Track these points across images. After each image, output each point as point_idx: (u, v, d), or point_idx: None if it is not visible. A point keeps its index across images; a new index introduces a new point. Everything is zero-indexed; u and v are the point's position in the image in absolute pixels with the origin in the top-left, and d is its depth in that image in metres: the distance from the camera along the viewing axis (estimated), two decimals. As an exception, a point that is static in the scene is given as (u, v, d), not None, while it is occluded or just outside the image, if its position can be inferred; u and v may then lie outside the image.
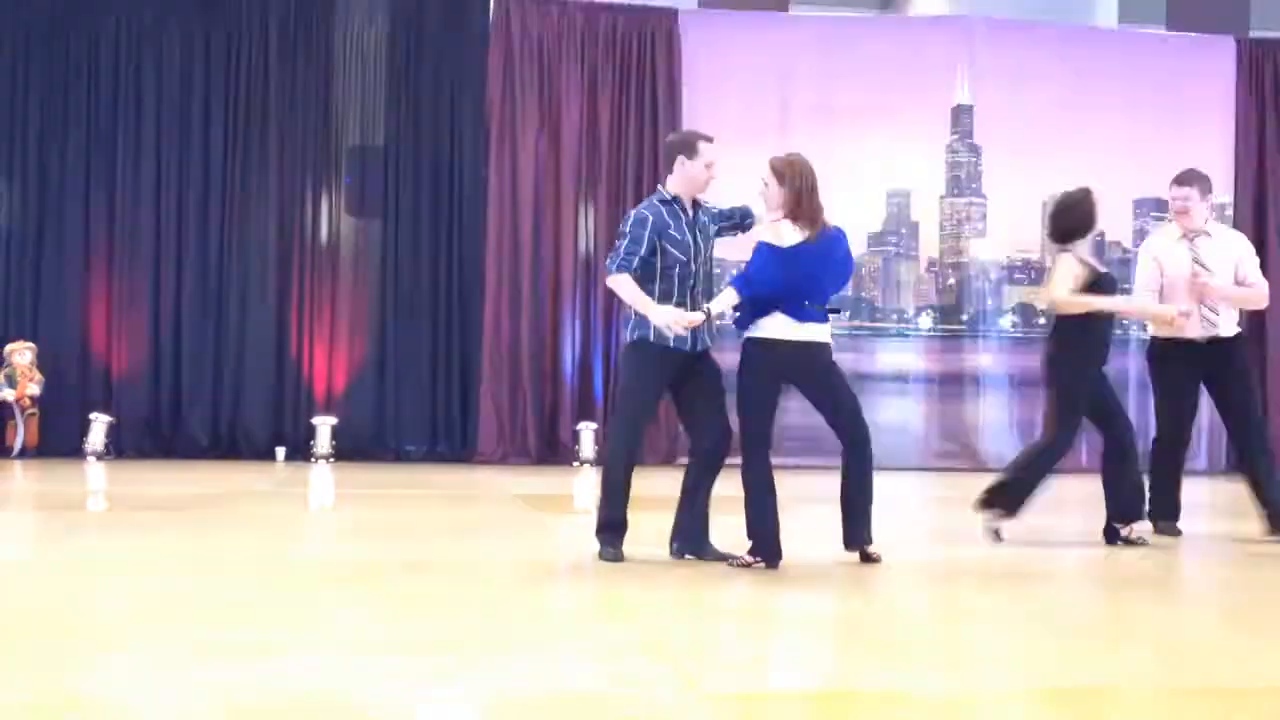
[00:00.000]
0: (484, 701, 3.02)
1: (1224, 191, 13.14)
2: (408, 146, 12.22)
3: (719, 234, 5.66)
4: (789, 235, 5.33)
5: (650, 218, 5.41)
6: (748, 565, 5.24)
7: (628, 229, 5.44)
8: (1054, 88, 12.91)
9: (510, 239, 12.12)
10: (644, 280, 5.38)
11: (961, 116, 12.93)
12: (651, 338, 5.38)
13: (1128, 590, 4.98)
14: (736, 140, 11.27)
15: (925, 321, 12.90)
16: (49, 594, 4.48)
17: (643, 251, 5.38)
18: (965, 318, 13.03)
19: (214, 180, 11.99)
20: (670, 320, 5.25)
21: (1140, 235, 13.18)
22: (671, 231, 5.41)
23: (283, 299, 12.02)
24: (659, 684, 3.22)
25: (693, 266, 5.44)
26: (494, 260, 12.07)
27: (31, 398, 11.37)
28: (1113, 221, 13.16)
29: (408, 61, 12.28)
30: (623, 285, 5.39)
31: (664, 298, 5.36)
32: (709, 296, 5.47)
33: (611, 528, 5.41)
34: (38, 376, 11.43)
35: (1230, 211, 13.09)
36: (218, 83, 12.00)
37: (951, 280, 13.00)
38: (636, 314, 5.41)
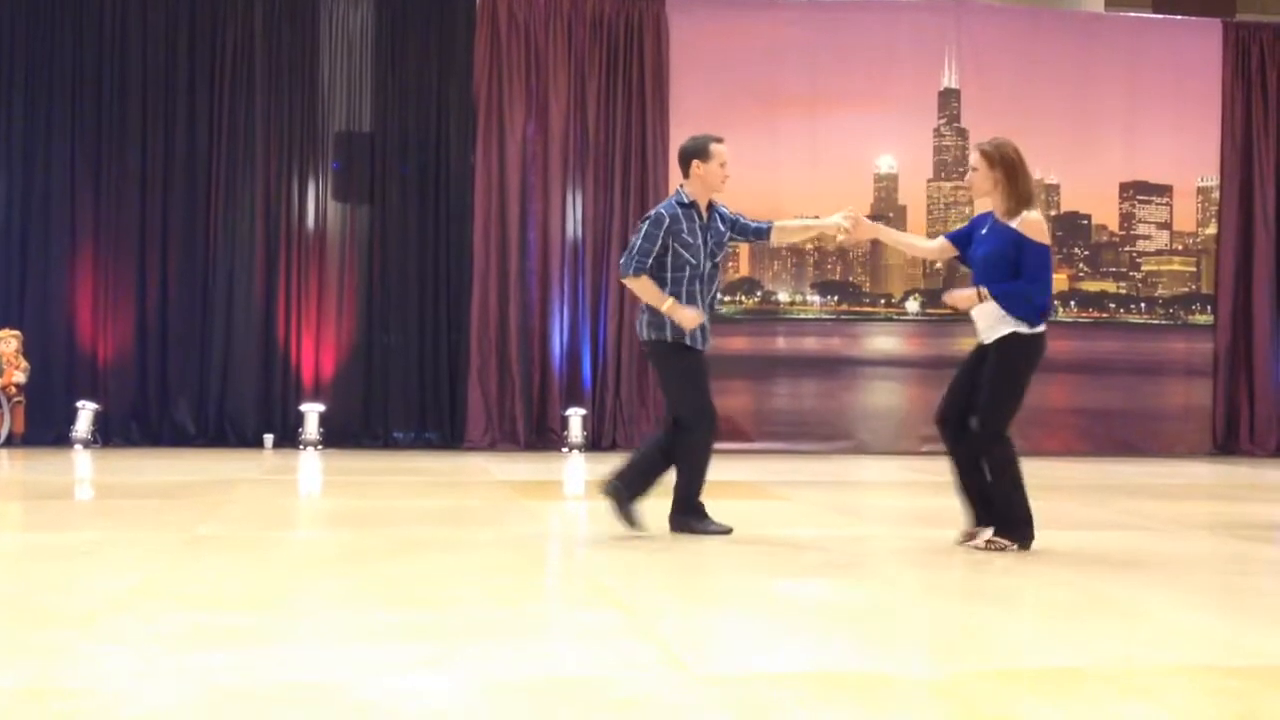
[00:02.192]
0: (473, 686, 3.02)
1: (1211, 174, 13.18)
2: (394, 132, 12.18)
3: (731, 239, 5.97)
4: (1046, 229, 5.50)
5: (667, 219, 5.70)
6: (1003, 549, 5.38)
7: (644, 227, 5.72)
8: (1041, 72, 12.90)
9: (498, 225, 12.09)
10: (657, 284, 5.69)
11: (948, 100, 12.93)
12: (669, 337, 5.70)
13: (1117, 571, 5.00)
14: (724, 125, 11.29)
15: (912, 306, 12.92)
16: (35, 581, 4.47)
17: (655, 251, 5.67)
18: (952, 302, 13.04)
19: (199, 167, 11.92)
20: (691, 321, 5.62)
21: (1127, 219, 13.21)
22: (685, 235, 5.70)
23: (269, 286, 11.98)
24: (648, 667, 3.23)
25: (701, 269, 5.74)
26: (481, 246, 12.04)
27: (17, 385, 11.32)
28: (1099, 205, 13.20)
29: (394, 46, 12.23)
30: (642, 287, 5.71)
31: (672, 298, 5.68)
32: (713, 295, 5.84)
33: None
34: (24, 364, 11.38)
35: (1217, 194, 13.13)
36: (202, 68, 11.93)
37: (938, 264, 13.00)
38: (652, 315, 5.72)
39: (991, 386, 5.45)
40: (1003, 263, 5.43)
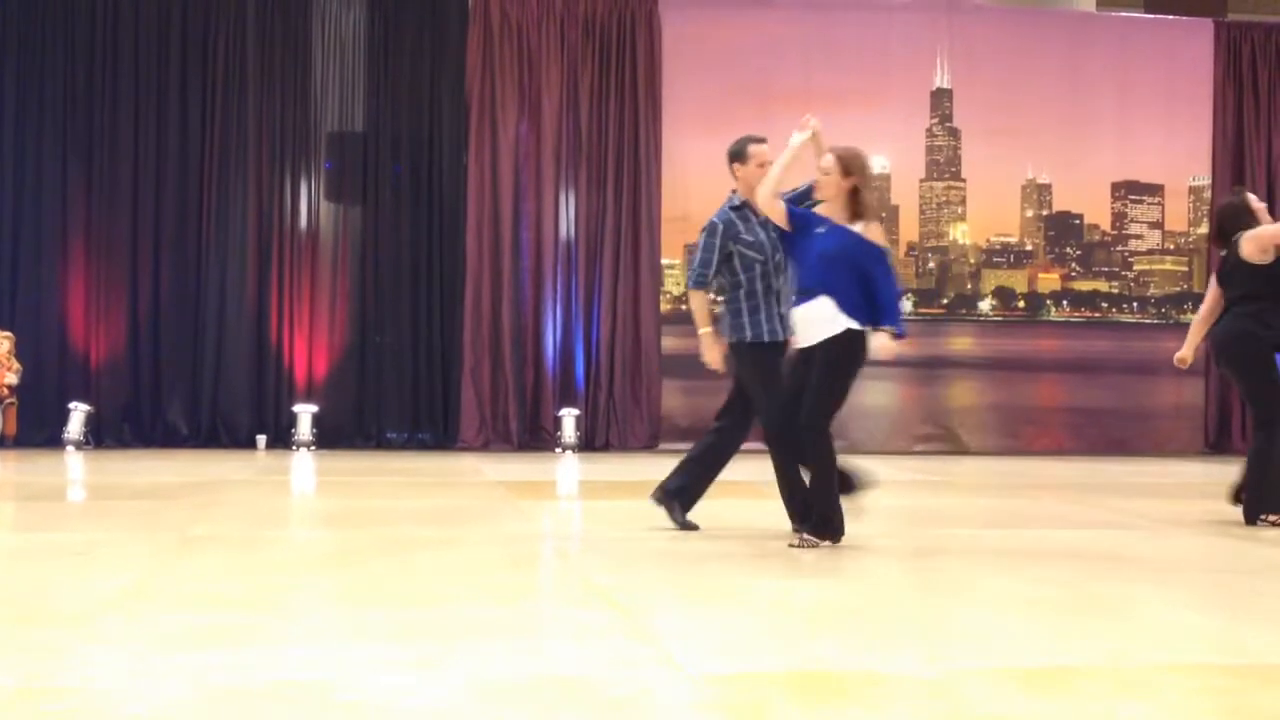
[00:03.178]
0: (467, 685, 3.02)
1: (1202, 174, 13.20)
2: (387, 131, 12.16)
3: None
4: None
5: (720, 226, 5.81)
6: (815, 545, 5.35)
7: (702, 239, 5.85)
8: (1033, 71, 12.92)
9: (490, 224, 12.08)
10: (732, 286, 5.78)
11: (941, 100, 12.94)
12: (749, 338, 5.76)
13: (1109, 570, 5.01)
14: (716, 124, 11.29)
15: (905, 305, 12.91)
16: (28, 582, 4.47)
17: (715, 260, 5.78)
18: (945, 301, 13.07)
19: (191, 167, 11.89)
20: (711, 359, 5.84)
21: (1119, 218, 13.24)
22: (744, 235, 5.78)
23: (262, 286, 11.95)
24: (643, 666, 3.24)
25: (770, 263, 5.80)
26: (474, 246, 12.02)
27: (10, 387, 11.30)
28: (1091, 205, 13.22)
29: (386, 45, 12.20)
30: (694, 304, 5.93)
31: (749, 296, 5.75)
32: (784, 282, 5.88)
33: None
34: (16, 366, 11.36)
35: (1209, 194, 13.14)
36: (194, 68, 11.90)
37: (931, 264, 13.03)
38: (732, 317, 5.79)
39: (824, 382, 5.43)
40: (845, 262, 5.39)
